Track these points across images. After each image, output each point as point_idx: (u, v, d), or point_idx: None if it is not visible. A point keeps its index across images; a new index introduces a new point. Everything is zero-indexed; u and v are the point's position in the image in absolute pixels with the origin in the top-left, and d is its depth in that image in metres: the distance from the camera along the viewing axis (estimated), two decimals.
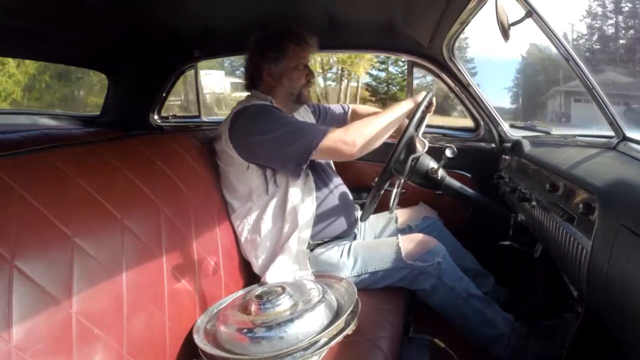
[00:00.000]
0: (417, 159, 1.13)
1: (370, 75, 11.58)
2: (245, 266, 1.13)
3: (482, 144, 1.61)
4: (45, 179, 0.71)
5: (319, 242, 1.16)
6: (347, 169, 1.49)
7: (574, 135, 1.15)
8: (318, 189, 1.16)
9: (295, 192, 1.09)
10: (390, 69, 11.25)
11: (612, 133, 0.89)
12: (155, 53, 1.78)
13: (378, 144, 1.07)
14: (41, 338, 0.61)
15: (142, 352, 0.75)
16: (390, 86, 11.28)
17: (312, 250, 1.14)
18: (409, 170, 1.10)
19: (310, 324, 0.77)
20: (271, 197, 1.10)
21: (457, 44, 1.48)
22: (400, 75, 11.07)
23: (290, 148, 1.03)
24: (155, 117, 2.00)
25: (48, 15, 1.23)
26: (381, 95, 11.09)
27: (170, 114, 2.06)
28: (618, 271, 0.59)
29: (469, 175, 1.59)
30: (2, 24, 1.24)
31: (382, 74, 11.45)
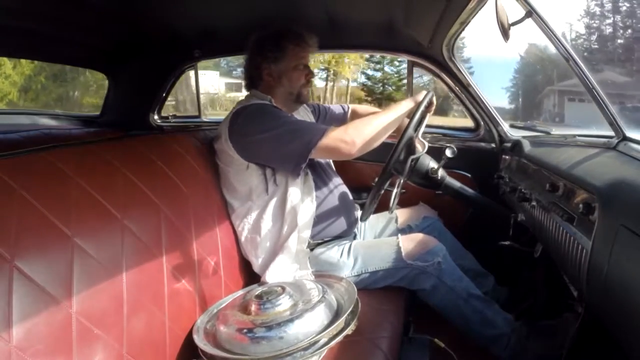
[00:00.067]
0: (417, 159, 1.13)
1: (366, 75, 11.58)
2: (245, 266, 1.13)
3: (482, 144, 1.61)
4: (45, 179, 0.71)
5: (319, 241, 1.16)
6: (347, 168, 1.49)
7: (574, 135, 1.15)
8: (318, 188, 1.16)
9: (294, 192, 1.09)
10: (386, 68, 11.25)
11: (612, 133, 0.89)
12: (155, 53, 1.78)
13: (377, 143, 1.07)
14: (41, 338, 0.61)
15: (142, 352, 0.75)
16: (386, 86, 11.27)
17: (312, 249, 1.14)
18: (408, 170, 1.10)
19: (310, 324, 0.77)
20: (271, 196, 1.10)
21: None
22: (395, 75, 11.07)
23: (289, 147, 1.03)
24: (155, 117, 2.00)
25: (48, 15, 1.23)
26: (377, 95, 11.07)
27: (170, 114, 2.06)
28: (618, 271, 0.59)
29: (469, 175, 1.59)
30: (2, 24, 1.24)
31: (378, 74, 11.44)
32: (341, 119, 1.44)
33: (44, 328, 0.62)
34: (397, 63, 10.83)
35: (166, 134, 1.40)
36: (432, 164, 1.19)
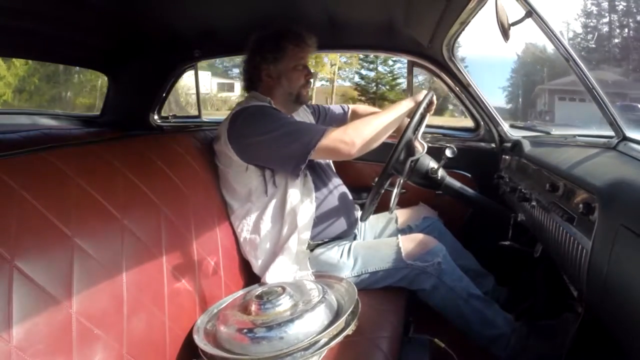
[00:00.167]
0: (416, 160, 1.13)
1: (360, 74, 11.55)
2: (245, 266, 1.13)
3: (482, 144, 1.61)
4: (45, 179, 0.71)
5: (319, 242, 1.16)
6: (347, 169, 1.49)
7: (574, 135, 1.15)
8: (317, 189, 1.16)
9: (294, 193, 1.09)
10: (380, 68, 11.21)
11: (612, 133, 0.89)
12: (155, 53, 1.78)
13: (377, 143, 1.07)
14: (41, 338, 0.61)
15: (142, 352, 0.75)
16: (380, 85, 11.22)
17: (312, 250, 1.14)
18: (408, 171, 1.10)
19: (311, 324, 0.77)
20: (270, 198, 1.10)
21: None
22: (389, 75, 11.04)
23: (288, 148, 1.03)
24: (155, 117, 1.99)
25: (48, 15, 1.23)
26: (370, 95, 11.04)
27: (170, 114, 2.06)
28: (618, 271, 0.59)
29: (469, 175, 1.59)
30: (2, 24, 1.24)
31: (372, 74, 11.40)
32: (341, 120, 1.44)
33: (44, 328, 0.62)
34: (390, 62, 10.84)
35: (166, 134, 1.40)
36: (432, 164, 1.19)
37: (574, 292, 0.84)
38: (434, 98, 1.17)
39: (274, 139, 1.04)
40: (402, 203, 1.38)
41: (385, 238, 1.31)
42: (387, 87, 10.99)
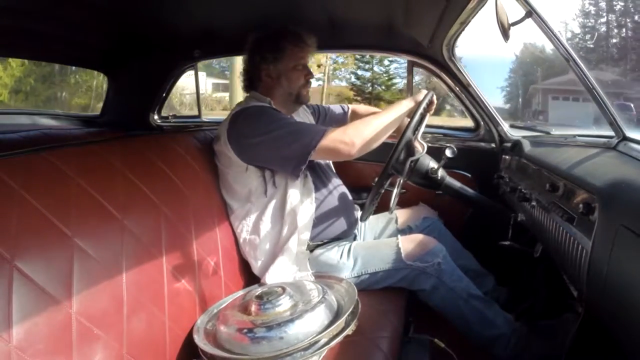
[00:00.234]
0: (416, 161, 1.13)
1: (355, 74, 11.49)
2: (245, 267, 1.13)
3: (482, 144, 1.60)
4: (45, 179, 0.71)
5: (319, 243, 1.16)
6: (347, 169, 1.49)
7: (574, 136, 1.15)
8: (317, 190, 1.16)
9: (294, 194, 1.09)
10: (376, 68, 11.13)
11: (612, 133, 0.89)
12: (155, 53, 1.77)
13: (377, 143, 1.07)
14: (41, 338, 0.61)
15: (142, 352, 0.75)
16: (375, 86, 11.15)
17: (312, 251, 1.14)
18: (408, 171, 1.10)
19: (311, 324, 0.77)
20: (270, 198, 1.10)
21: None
22: (384, 75, 11.00)
23: (288, 149, 1.03)
24: (155, 117, 1.99)
25: (48, 15, 1.23)
26: (366, 95, 10.97)
27: (170, 114, 2.06)
28: (618, 271, 0.59)
29: (469, 175, 1.59)
30: (2, 24, 1.24)
31: (367, 74, 11.33)
32: (341, 120, 1.44)
33: (44, 328, 0.62)
34: (386, 62, 10.78)
35: (166, 134, 1.40)
36: (432, 164, 1.19)
37: (574, 292, 0.84)
38: (434, 98, 1.17)
39: (274, 139, 1.04)
40: (402, 203, 1.38)
41: (385, 238, 1.31)
42: (383, 88, 10.94)
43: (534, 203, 0.98)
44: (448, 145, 1.20)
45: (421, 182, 1.20)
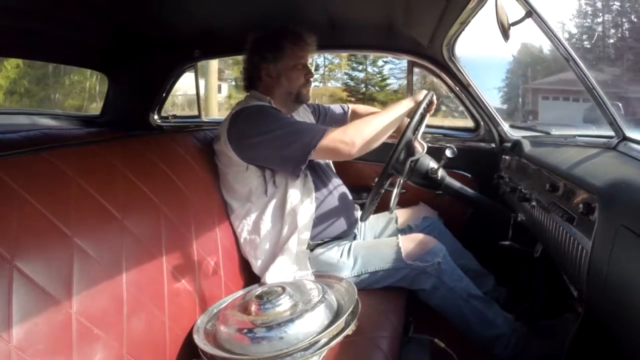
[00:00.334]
0: (416, 161, 1.13)
1: (349, 75, 11.42)
2: (245, 266, 1.13)
3: (482, 144, 1.60)
4: (45, 179, 0.71)
5: (319, 242, 1.16)
6: (347, 169, 1.49)
7: (574, 136, 1.15)
8: (317, 189, 1.16)
9: (294, 193, 1.09)
10: (369, 69, 11.06)
11: (612, 133, 0.89)
12: (155, 53, 1.77)
13: (378, 143, 1.07)
14: (41, 338, 0.61)
15: (142, 352, 0.75)
16: (369, 86, 11.08)
17: (312, 250, 1.14)
18: (408, 171, 1.10)
19: (311, 324, 0.77)
20: (270, 198, 1.10)
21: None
22: (377, 76, 10.94)
23: (289, 148, 1.03)
24: (155, 117, 1.99)
25: (48, 15, 1.23)
26: (359, 96, 10.90)
27: (170, 114, 2.06)
28: (618, 271, 0.59)
29: (469, 175, 1.59)
30: (2, 24, 1.24)
31: (361, 75, 11.26)
32: (341, 120, 1.44)
33: (44, 328, 0.62)
34: (380, 63, 10.72)
35: (166, 134, 1.40)
36: (432, 164, 1.19)
37: (574, 292, 0.84)
38: (434, 98, 1.17)
39: (274, 139, 1.04)
40: (402, 203, 1.38)
41: (385, 238, 1.31)
42: (377, 89, 10.88)
43: (534, 203, 0.98)
44: (448, 145, 1.20)
45: (421, 182, 1.20)
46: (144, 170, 0.90)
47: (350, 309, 0.82)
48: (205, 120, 2.04)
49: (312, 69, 1.23)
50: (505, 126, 1.56)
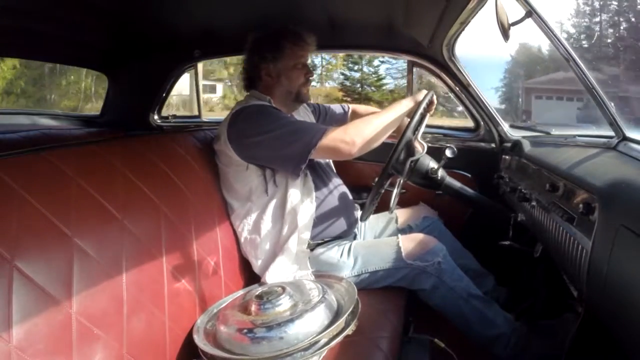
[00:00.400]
0: (416, 161, 1.13)
1: (345, 75, 11.40)
2: (245, 266, 1.13)
3: (482, 144, 1.61)
4: (45, 179, 0.71)
5: (319, 242, 1.16)
6: (347, 169, 1.49)
7: (574, 136, 1.15)
8: (317, 189, 1.16)
9: (294, 193, 1.09)
10: (365, 69, 11.02)
11: (612, 133, 0.89)
12: (155, 53, 1.78)
13: (378, 143, 1.07)
14: (41, 338, 0.61)
15: (142, 352, 0.75)
16: (365, 86, 11.05)
17: (312, 250, 1.14)
18: (408, 171, 1.10)
19: (311, 324, 0.77)
20: (270, 197, 1.10)
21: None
22: (373, 76, 10.91)
23: (289, 148, 1.03)
24: (155, 117, 1.99)
25: (48, 15, 1.23)
26: (355, 96, 10.86)
27: (170, 114, 2.06)
28: (618, 271, 0.59)
29: (469, 175, 1.59)
30: (2, 24, 1.24)
31: (357, 74, 11.22)
32: (341, 119, 1.44)
33: (44, 328, 0.62)
34: (376, 63, 10.69)
35: (166, 134, 1.40)
36: (432, 164, 1.19)
37: (574, 292, 0.84)
38: (434, 98, 1.17)
39: (274, 138, 1.04)
40: (402, 203, 1.38)
41: (385, 238, 1.31)
42: (373, 89, 10.84)
43: (534, 203, 0.98)
44: (448, 145, 1.20)
45: (421, 182, 1.20)
46: (144, 170, 0.90)
47: (350, 309, 0.82)
48: (205, 120, 2.04)
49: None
50: (505, 126, 1.56)
